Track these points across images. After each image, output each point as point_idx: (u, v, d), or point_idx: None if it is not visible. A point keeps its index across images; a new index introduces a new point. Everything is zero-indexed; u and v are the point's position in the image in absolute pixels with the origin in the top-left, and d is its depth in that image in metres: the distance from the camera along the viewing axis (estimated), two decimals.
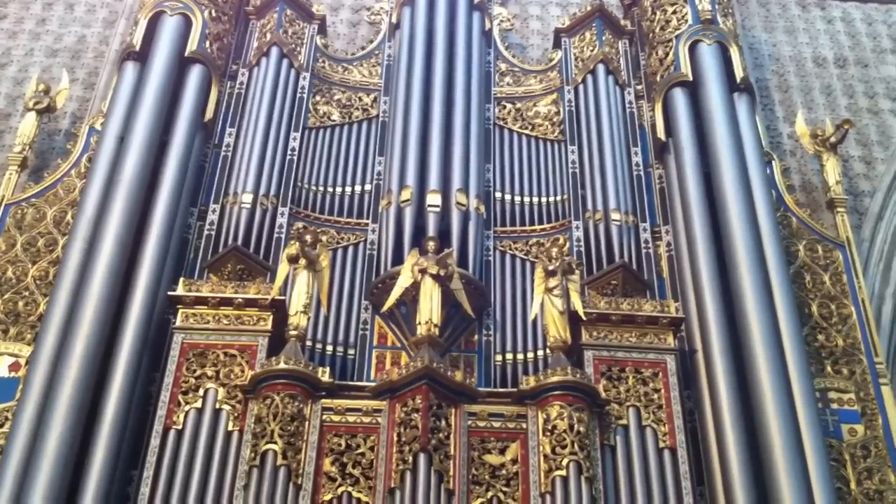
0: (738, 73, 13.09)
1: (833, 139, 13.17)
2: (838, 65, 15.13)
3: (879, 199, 13.42)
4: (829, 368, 11.25)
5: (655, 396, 10.30)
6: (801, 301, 11.54)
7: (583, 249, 11.92)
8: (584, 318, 10.62)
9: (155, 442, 9.69)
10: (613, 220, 11.98)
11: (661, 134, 12.99)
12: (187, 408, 9.91)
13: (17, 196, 11.98)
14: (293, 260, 10.60)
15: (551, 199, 12.68)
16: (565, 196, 12.60)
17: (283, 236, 11.76)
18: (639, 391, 10.32)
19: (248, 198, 11.83)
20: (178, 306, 10.49)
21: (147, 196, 11.30)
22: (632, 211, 12.23)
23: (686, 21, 13.39)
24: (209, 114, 12.66)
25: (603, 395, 10.18)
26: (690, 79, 12.99)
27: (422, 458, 9.45)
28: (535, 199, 12.69)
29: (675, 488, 9.69)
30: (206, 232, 11.86)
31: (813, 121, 14.01)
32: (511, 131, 13.45)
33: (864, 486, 10.41)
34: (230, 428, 9.83)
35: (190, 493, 9.38)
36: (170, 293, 10.61)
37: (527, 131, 13.46)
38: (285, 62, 13.40)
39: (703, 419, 10.48)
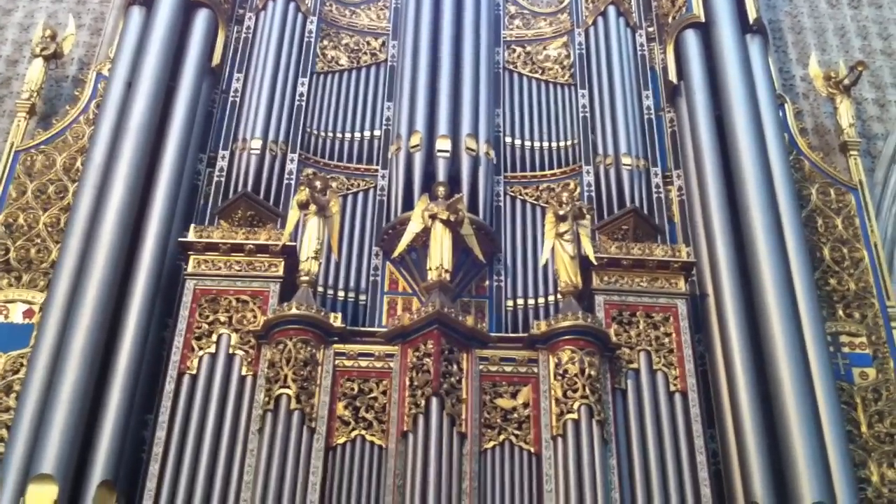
0: (751, 15, 12.91)
1: (846, 81, 13.03)
2: (852, 6, 14.90)
3: (893, 141, 13.27)
4: (840, 312, 11.25)
5: (666, 340, 10.31)
6: (812, 245, 11.52)
7: (593, 194, 11.88)
8: (594, 262, 10.61)
9: (169, 387, 9.76)
10: (624, 164, 11.92)
11: (672, 77, 12.87)
12: (201, 353, 9.97)
13: (26, 143, 11.94)
14: (303, 206, 10.58)
15: (562, 143, 12.61)
16: (576, 141, 12.53)
17: (292, 182, 11.73)
18: (650, 335, 10.33)
19: (256, 144, 11.79)
20: (190, 252, 10.50)
21: (156, 142, 11.25)
22: (643, 155, 12.15)
23: None
24: (216, 59, 12.55)
25: (614, 339, 10.20)
26: (703, 20, 12.83)
27: (434, 402, 9.52)
28: (546, 144, 12.62)
29: (686, 431, 9.75)
30: (215, 178, 11.84)
31: (826, 63, 13.84)
32: (521, 75, 13.33)
33: (875, 430, 10.46)
34: (244, 373, 9.89)
35: (205, 436, 9.47)
36: (181, 239, 10.61)
37: (537, 75, 13.34)
38: (292, 6, 13.25)
39: (713, 363, 10.50)
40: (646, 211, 11.60)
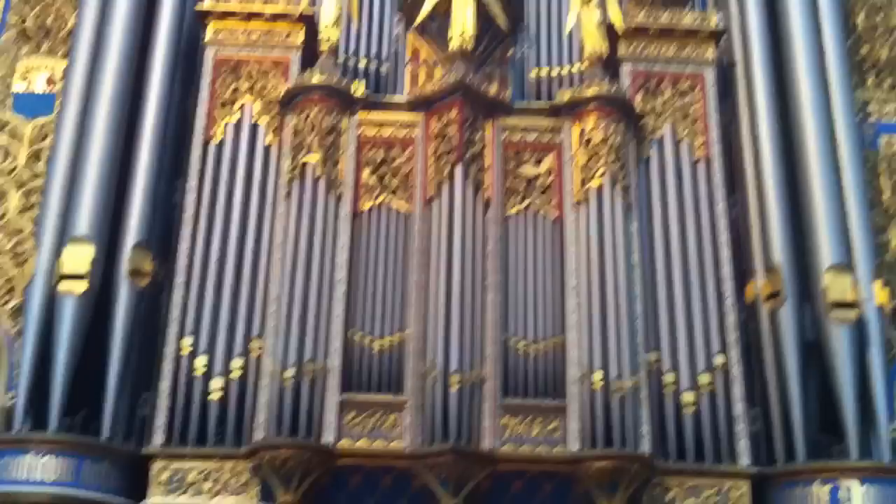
0: None
1: None
2: None
3: None
4: (870, 81, 11.09)
5: (692, 109, 10.24)
6: (846, 12, 11.17)
7: None
8: (621, 30, 10.35)
9: (196, 154, 9.85)
10: None
11: None
12: (224, 122, 9.99)
13: None
14: None
15: None
16: None
17: None
18: (675, 104, 10.25)
19: None
20: (208, 19, 10.28)
21: None
22: None
23: None
24: None
25: (639, 108, 10.13)
26: None
27: (458, 169, 9.58)
28: None
29: (708, 197, 9.85)
30: None
31: None
32: None
33: None
34: (268, 141, 9.94)
35: (234, 201, 9.64)
36: (197, 7, 10.35)
37: None
38: None
39: (738, 131, 10.41)
40: None
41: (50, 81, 10.60)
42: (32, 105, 10.45)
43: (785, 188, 9.84)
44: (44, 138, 10.27)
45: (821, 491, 8.66)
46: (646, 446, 8.80)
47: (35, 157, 10.23)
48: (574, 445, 8.77)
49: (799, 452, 8.94)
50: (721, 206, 9.80)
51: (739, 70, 10.61)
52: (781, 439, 9.11)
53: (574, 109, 9.99)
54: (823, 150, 9.83)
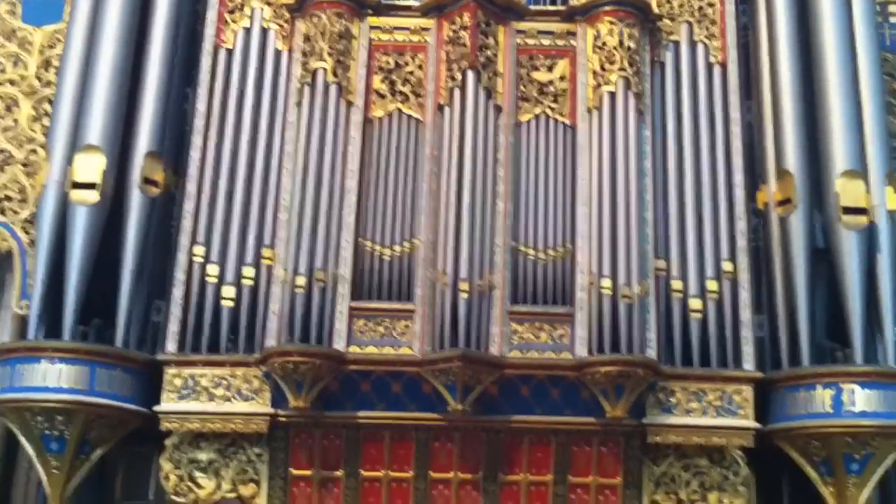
0: None
1: None
2: None
3: None
4: None
5: (709, 11, 10.07)
6: None
7: None
8: None
9: (206, 61, 9.83)
10: None
11: None
12: (235, 27, 9.95)
13: None
14: None
15: None
16: None
17: None
18: (692, 6, 10.09)
19: None
20: None
21: None
22: None
23: None
24: None
25: (655, 10, 9.96)
26: None
27: (470, 75, 9.49)
28: None
29: (723, 102, 9.75)
30: None
31: None
32: None
33: None
34: (279, 47, 9.91)
35: (245, 109, 9.67)
36: None
37: None
38: None
39: (756, 34, 10.16)
40: None
41: None
42: (41, 12, 10.35)
43: (800, 92, 9.66)
44: (53, 46, 10.22)
45: (824, 394, 8.72)
46: (652, 352, 8.92)
47: (45, 65, 10.19)
48: (581, 351, 8.90)
49: (804, 358, 8.98)
50: (736, 112, 9.69)
51: None
52: (787, 345, 9.15)
53: (589, 12, 9.83)
54: (841, 53, 9.61)
